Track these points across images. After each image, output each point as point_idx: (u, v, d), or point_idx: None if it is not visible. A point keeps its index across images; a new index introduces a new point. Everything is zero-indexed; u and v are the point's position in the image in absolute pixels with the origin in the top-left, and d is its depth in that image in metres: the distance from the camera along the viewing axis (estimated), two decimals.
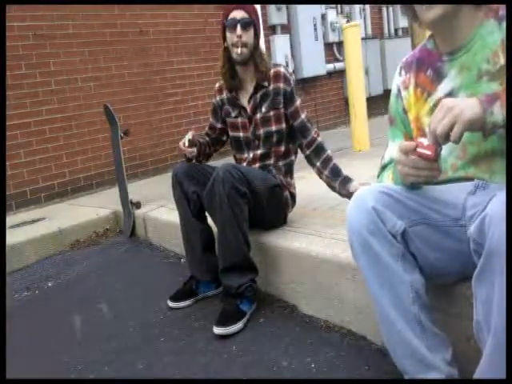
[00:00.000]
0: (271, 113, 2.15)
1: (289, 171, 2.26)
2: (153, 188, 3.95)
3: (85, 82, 4.25)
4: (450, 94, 1.29)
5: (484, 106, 1.05)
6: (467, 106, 1.05)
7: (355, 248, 1.29)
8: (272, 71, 2.15)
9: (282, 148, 2.21)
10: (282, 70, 2.16)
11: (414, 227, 1.27)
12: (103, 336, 2.02)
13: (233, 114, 2.24)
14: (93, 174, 4.32)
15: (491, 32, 1.22)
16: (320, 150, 2.18)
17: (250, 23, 2.07)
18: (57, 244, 3.11)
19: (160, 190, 3.56)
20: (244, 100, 2.21)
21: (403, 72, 1.45)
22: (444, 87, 1.31)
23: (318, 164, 2.18)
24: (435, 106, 1.32)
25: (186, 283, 2.23)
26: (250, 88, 2.18)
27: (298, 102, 2.19)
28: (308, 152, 2.19)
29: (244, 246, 1.96)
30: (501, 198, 1.02)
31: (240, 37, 2.05)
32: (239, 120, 2.23)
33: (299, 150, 2.28)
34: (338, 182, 2.13)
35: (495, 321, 1.03)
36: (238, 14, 2.06)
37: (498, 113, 1.04)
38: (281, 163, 2.22)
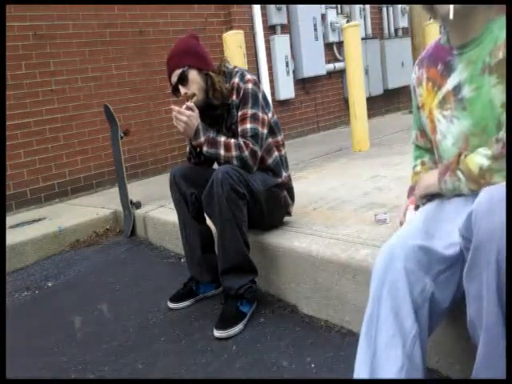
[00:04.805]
0: (233, 127, 2.12)
1: (280, 166, 2.20)
2: (153, 188, 3.95)
3: (85, 82, 4.26)
4: (456, 87, 1.32)
5: (440, 177, 1.31)
6: (428, 177, 1.40)
7: (375, 289, 1.21)
8: (230, 85, 2.10)
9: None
10: (236, 81, 2.09)
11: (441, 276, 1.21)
12: (103, 336, 2.02)
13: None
14: (93, 173, 4.32)
15: (501, 27, 1.23)
16: (237, 147, 2.02)
17: (185, 75, 2.05)
18: (57, 244, 3.11)
19: (160, 190, 3.56)
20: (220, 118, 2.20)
21: (417, 69, 1.49)
22: (452, 80, 1.33)
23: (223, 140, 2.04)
24: (444, 99, 1.35)
25: (186, 284, 2.23)
26: (220, 109, 2.15)
27: (249, 111, 2.04)
28: (233, 138, 2.07)
29: (243, 247, 1.95)
30: (487, 192, 1.04)
31: (185, 93, 2.07)
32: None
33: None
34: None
35: (486, 316, 1.03)
36: (173, 77, 2.08)
37: (449, 181, 1.28)
38: (269, 161, 2.17)
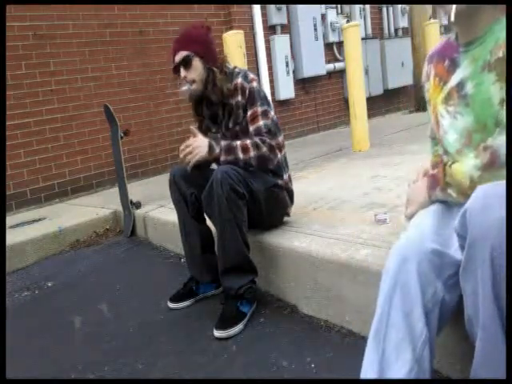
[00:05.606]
0: (237, 128, 2.12)
1: (281, 167, 2.20)
2: (153, 188, 3.95)
3: (85, 82, 4.26)
4: (460, 84, 1.33)
5: (429, 192, 1.36)
6: (419, 194, 1.41)
7: (386, 290, 1.20)
8: (233, 85, 2.10)
9: None
10: (240, 81, 2.09)
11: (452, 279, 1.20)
12: (103, 336, 2.02)
13: (213, 130, 2.23)
14: (93, 173, 4.32)
15: (502, 28, 1.25)
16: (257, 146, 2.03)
17: (189, 60, 2.05)
18: (57, 244, 3.11)
19: (160, 190, 3.56)
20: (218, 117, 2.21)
21: (426, 64, 1.51)
22: (456, 77, 1.35)
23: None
24: (448, 94, 1.37)
25: (186, 284, 2.23)
26: (218, 107, 2.16)
27: (259, 108, 2.06)
28: (235, 139, 2.08)
29: (243, 247, 1.95)
30: (482, 190, 1.04)
31: (185, 77, 2.07)
32: (219, 135, 2.20)
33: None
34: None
35: (482, 313, 1.03)
36: (177, 56, 2.08)
37: (439, 193, 1.31)
38: None
